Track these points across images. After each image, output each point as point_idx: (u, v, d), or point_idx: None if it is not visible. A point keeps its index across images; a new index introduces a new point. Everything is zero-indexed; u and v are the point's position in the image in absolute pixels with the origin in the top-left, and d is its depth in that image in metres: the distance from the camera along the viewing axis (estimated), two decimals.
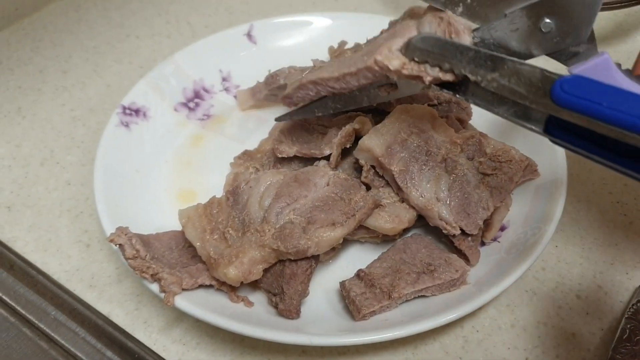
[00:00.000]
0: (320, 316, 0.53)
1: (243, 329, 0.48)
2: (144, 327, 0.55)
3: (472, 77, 0.42)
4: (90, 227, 0.63)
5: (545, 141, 0.61)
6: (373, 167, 0.57)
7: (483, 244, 0.57)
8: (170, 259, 0.54)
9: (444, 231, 0.54)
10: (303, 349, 0.53)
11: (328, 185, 0.55)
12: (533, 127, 0.41)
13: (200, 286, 0.52)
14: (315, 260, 0.53)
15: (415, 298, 0.53)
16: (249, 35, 0.75)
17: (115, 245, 0.51)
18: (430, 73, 0.45)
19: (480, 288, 0.51)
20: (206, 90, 0.73)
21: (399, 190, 0.55)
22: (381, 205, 0.55)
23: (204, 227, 0.54)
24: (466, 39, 0.47)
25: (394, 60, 0.46)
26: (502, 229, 0.58)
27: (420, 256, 0.54)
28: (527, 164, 0.56)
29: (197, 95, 0.72)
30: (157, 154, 0.66)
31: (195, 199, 0.62)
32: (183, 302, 0.50)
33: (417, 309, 0.52)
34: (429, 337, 0.54)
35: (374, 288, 0.51)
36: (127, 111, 0.66)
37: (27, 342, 0.51)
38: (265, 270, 0.52)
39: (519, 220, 0.58)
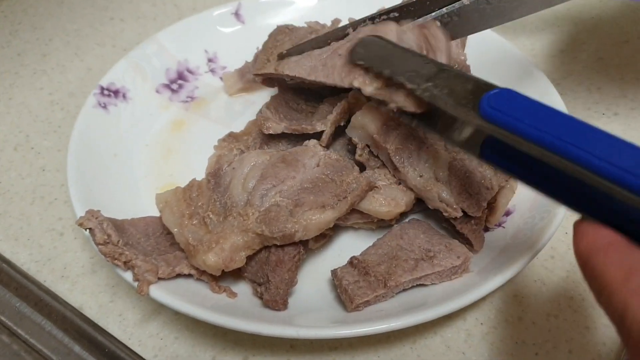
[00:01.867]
0: (309, 307, 0.49)
1: (225, 322, 0.44)
2: (118, 320, 0.50)
3: (408, 85, 0.42)
4: (64, 215, 0.59)
5: None
6: (368, 146, 0.52)
7: (487, 229, 0.53)
8: (146, 246, 0.49)
9: (444, 214, 0.49)
10: (291, 343, 0.49)
11: (318, 166, 0.50)
12: (469, 151, 0.40)
13: (179, 275, 0.48)
14: (304, 246, 0.49)
15: (413, 287, 0.48)
16: (236, 14, 0.71)
17: (85, 229, 0.47)
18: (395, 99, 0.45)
19: (484, 276, 0.47)
20: (190, 72, 0.68)
21: (395, 170, 0.50)
22: (376, 187, 0.50)
23: (182, 212, 0.49)
24: (442, 57, 0.47)
25: (368, 88, 0.47)
26: (507, 213, 0.54)
27: (419, 242, 0.50)
28: None
29: (180, 76, 0.68)
30: (137, 138, 0.62)
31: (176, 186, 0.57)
32: (159, 292, 0.45)
33: (415, 299, 0.47)
34: (428, 330, 0.49)
35: (369, 276, 0.47)
36: (106, 92, 0.62)
37: None
38: (249, 258, 0.48)
39: (525, 204, 0.53)
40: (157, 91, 0.66)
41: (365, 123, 0.51)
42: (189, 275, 0.48)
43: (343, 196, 0.48)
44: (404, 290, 0.48)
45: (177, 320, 0.50)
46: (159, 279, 0.46)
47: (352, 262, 0.49)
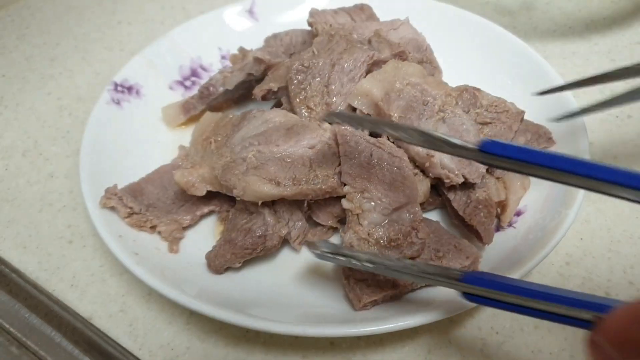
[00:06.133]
0: (317, 304, 0.48)
1: (235, 319, 0.43)
2: (129, 331, 0.50)
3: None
4: (73, 222, 0.58)
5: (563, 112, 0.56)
6: (369, 115, 0.53)
7: (498, 229, 0.53)
8: (166, 200, 0.53)
9: (445, 181, 0.51)
10: (304, 351, 0.48)
11: (312, 148, 0.51)
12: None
13: (201, 221, 0.54)
14: (263, 249, 0.50)
15: (422, 287, 0.48)
16: (250, 12, 0.71)
17: (108, 208, 0.51)
18: None
19: None
20: (204, 69, 0.68)
21: (397, 139, 0.50)
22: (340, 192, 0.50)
23: (206, 133, 0.56)
24: None
25: None
26: (518, 214, 0.53)
27: (428, 242, 0.49)
28: (522, 117, 0.54)
29: (194, 73, 0.67)
30: (150, 134, 0.62)
31: None
32: (177, 293, 0.45)
33: (424, 300, 0.47)
34: (443, 340, 0.48)
35: (377, 275, 0.46)
36: (119, 88, 0.62)
37: None
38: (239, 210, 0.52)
39: (536, 205, 0.53)
40: (171, 88, 0.66)
41: (370, 89, 0.52)
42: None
43: (298, 182, 0.49)
44: (413, 290, 0.48)
45: (189, 330, 0.50)
46: (184, 229, 0.52)
47: None
